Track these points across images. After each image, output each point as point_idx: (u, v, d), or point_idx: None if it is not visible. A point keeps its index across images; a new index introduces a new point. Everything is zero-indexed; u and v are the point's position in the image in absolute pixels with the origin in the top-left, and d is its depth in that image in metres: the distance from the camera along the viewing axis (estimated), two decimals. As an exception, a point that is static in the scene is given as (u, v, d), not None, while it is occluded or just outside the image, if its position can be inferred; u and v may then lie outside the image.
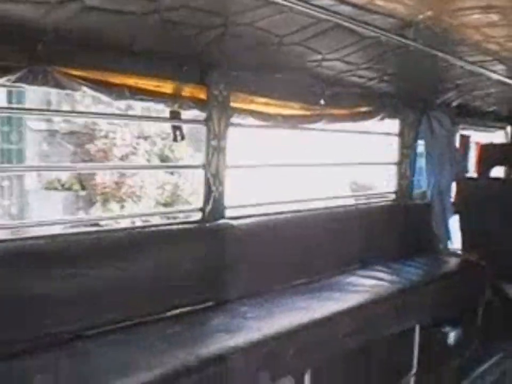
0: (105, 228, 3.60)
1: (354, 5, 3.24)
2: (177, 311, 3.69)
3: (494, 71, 5.20)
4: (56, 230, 3.51)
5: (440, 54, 4.42)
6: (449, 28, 3.85)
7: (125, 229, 3.65)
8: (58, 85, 3.22)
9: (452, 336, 5.41)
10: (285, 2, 3.11)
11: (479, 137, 7.85)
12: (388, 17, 3.51)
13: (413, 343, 4.78)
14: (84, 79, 3.31)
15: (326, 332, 3.87)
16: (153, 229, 3.78)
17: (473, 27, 3.79)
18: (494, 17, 3.53)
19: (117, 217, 3.81)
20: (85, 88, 3.34)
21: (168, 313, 3.65)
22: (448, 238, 6.52)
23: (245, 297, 4.02)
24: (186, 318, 3.64)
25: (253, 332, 3.49)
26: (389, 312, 4.45)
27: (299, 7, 3.19)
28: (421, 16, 3.54)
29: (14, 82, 3.05)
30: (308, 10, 3.24)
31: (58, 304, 3.18)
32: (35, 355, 2.94)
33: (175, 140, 3.94)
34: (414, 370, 4.76)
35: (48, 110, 3.04)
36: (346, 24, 3.53)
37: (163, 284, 3.67)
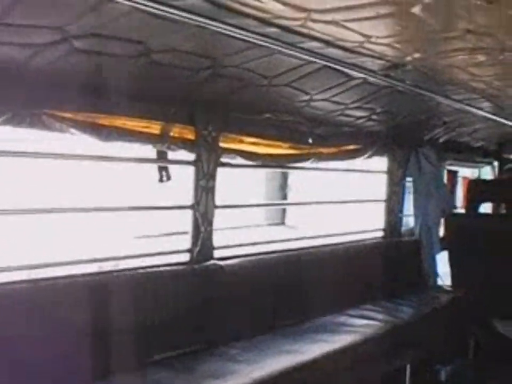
0: (87, 271, 3.53)
1: (343, 48, 3.26)
2: (164, 355, 3.61)
3: (481, 108, 5.25)
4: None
5: (427, 94, 4.46)
6: (436, 68, 3.89)
7: (110, 271, 3.59)
8: (46, 127, 3.19)
9: (443, 374, 5.36)
10: (273, 46, 3.12)
11: (467, 173, 7.90)
12: (376, 59, 3.53)
13: (404, 382, 4.72)
14: (73, 121, 3.29)
15: (317, 374, 3.82)
16: (140, 271, 3.72)
17: (460, 67, 3.82)
18: (481, 57, 3.56)
19: (101, 259, 3.73)
20: (73, 130, 3.31)
21: (155, 357, 3.57)
22: (437, 274, 6.51)
23: (234, 340, 3.95)
24: (174, 362, 3.57)
25: (243, 377, 3.42)
26: (380, 352, 4.40)
27: (287, 50, 3.20)
28: (408, 58, 3.56)
29: (1, 124, 3.02)
30: (296, 53, 3.25)
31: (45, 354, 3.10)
32: None
33: (160, 180, 3.91)
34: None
35: (28, 153, 3.06)
36: (334, 65, 3.54)
37: (149, 327, 3.60)
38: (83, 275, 3.48)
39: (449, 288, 6.40)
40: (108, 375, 3.26)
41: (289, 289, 4.54)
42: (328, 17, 2.72)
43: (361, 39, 3.08)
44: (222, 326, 3.96)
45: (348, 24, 2.82)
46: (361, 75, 3.80)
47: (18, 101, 3.00)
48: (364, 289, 5.30)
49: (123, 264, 3.74)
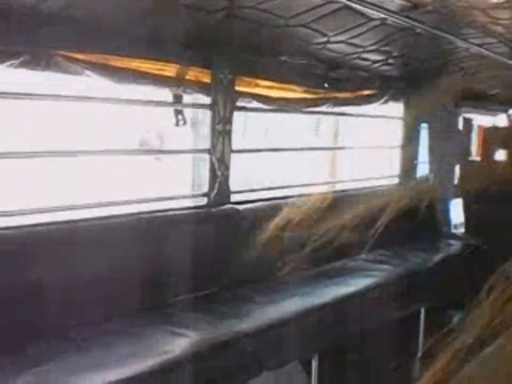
0: (110, 214, 3.55)
1: None
2: (184, 297, 3.65)
3: (499, 54, 5.16)
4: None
5: (446, 36, 4.38)
6: (456, 9, 3.80)
7: (130, 214, 3.61)
8: (61, 70, 3.16)
9: (456, 319, 5.40)
10: None
11: (482, 120, 7.81)
12: None
13: (418, 326, 4.77)
14: (87, 63, 3.26)
15: (333, 316, 3.85)
16: (158, 214, 3.74)
17: (480, 9, 3.75)
18: (501, -2, 3.49)
19: (120, 202, 3.74)
20: (87, 72, 3.28)
21: (174, 300, 3.61)
22: (450, 221, 6.51)
23: (252, 282, 3.99)
24: (194, 304, 3.61)
25: (259, 317, 3.47)
26: (394, 296, 4.43)
27: None
28: None
29: (16, 67, 3.00)
30: None
31: (63, 294, 3.13)
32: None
33: (177, 124, 3.89)
34: (420, 353, 4.76)
35: (44, 95, 3.04)
36: (354, 5, 3.48)
37: (168, 270, 3.63)
38: (104, 217, 3.50)
39: (463, 235, 6.41)
40: (130, 316, 3.31)
41: (306, 233, 4.54)
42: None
43: (381, -25, 3.01)
44: (239, 268, 3.99)
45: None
46: (381, 15, 3.73)
47: (34, 43, 2.98)
48: (378, 235, 5.30)
49: (141, 207, 3.75)
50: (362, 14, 3.71)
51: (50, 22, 2.98)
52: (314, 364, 3.73)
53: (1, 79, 3.08)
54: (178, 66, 3.70)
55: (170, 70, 3.69)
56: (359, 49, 4.41)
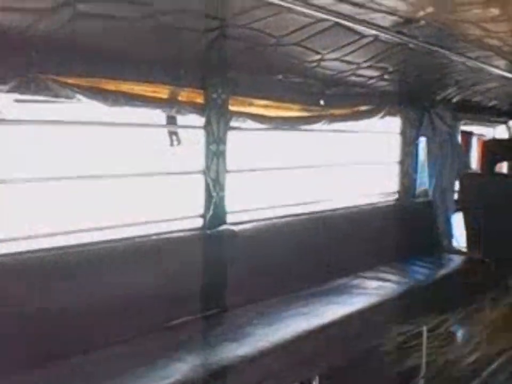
0: (103, 238, 3.51)
1: (354, 3, 3.17)
2: (180, 320, 3.60)
3: (495, 66, 5.14)
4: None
5: (440, 50, 4.36)
6: (450, 23, 3.79)
7: (125, 238, 3.57)
8: (52, 94, 3.14)
9: (460, 336, 5.34)
10: (282, 3, 3.03)
11: (481, 132, 7.79)
12: (388, 14, 3.44)
13: (421, 345, 4.70)
14: (78, 86, 3.23)
15: (333, 336, 3.80)
16: (153, 237, 3.70)
17: (474, 22, 3.73)
18: (495, 11, 3.47)
19: (115, 226, 3.71)
20: (79, 96, 3.26)
21: (171, 323, 3.56)
22: (452, 236, 6.46)
23: (249, 304, 3.94)
24: (189, 327, 3.57)
25: (258, 340, 3.42)
26: (395, 314, 4.38)
27: (297, 7, 3.12)
28: (421, 13, 3.47)
29: (7, 91, 2.97)
30: (306, 10, 3.17)
31: (57, 317, 3.10)
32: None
33: (171, 145, 3.87)
34: (423, 372, 4.69)
35: (35, 121, 3.03)
36: (345, 23, 3.46)
37: (164, 293, 3.59)
38: (98, 243, 3.47)
39: (464, 250, 6.36)
40: (128, 340, 3.28)
41: (303, 252, 4.51)
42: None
43: (372, -7, 2.99)
44: (236, 290, 3.95)
45: (359, -22, 2.73)
46: (373, 32, 3.71)
47: (24, 67, 2.96)
48: (379, 252, 5.26)
49: (136, 231, 3.71)
50: (354, 31, 3.68)
51: (41, 46, 2.96)
52: None
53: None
54: (171, 87, 3.68)
55: (163, 91, 3.66)
56: (354, 66, 4.39)
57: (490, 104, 7.12)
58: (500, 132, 7.94)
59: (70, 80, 3.18)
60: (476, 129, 7.73)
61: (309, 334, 3.64)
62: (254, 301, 3.99)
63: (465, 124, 7.04)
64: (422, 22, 3.65)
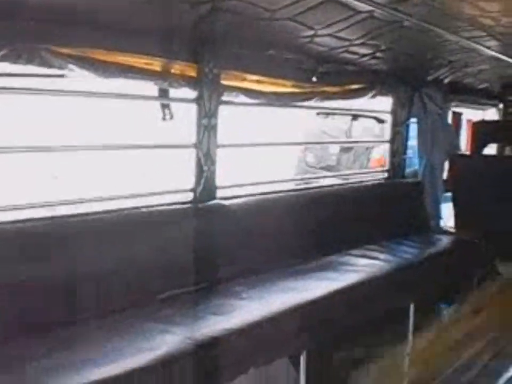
0: (94, 210, 3.51)
1: None
2: (170, 293, 3.61)
3: (488, 47, 5.15)
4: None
5: (434, 29, 4.35)
6: (445, 1, 3.78)
7: (115, 210, 3.57)
8: (44, 63, 3.11)
9: (446, 314, 5.40)
10: None
11: (472, 114, 7.82)
12: None
13: (407, 322, 4.75)
14: (71, 56, 3.21)
15: (321, 312, 3.82)
16: (143, 210, 3.70)
17: (470, 1, 3.72)
18: (490, -11, 3.47)
19: (105, 198, 3.70)
20: (71, 66, 3.23)
21: (161, 296, 3.57)
22: (440, 216, 6.50)
23: (239, 278, 3.95)
24: (179, 300, 3.57)
25: (247, 313, 3.43)
26: (383, 291, 4.41)
27: None
28: None
29: (-1, 61, 2.95)
30: None
31: (50, 288, 3.11)
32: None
33: (163, 118, 3.86)
34: (408, 349, 4.74)
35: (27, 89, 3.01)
36: None
37: (155, 266, 3.60)
38: (88, 214, 3.47)
39: (452, 230, 6.40)
40: (116, 312, 3.27)
41: (293, 228, 4.53)
42: None
43: (368, -33, 2.98)
44: (226, 264, 3.96)
45: (355, -50, 2.72)
46: (368, 8, 3.70)
47: (16, 36, 2.93)
48: (367, 230, 5.29)
49: (127, 203, 3.71)
50: (349, 7, 3.67)
51: (33, 16, 2.94)
52: (302, 360, 3.70)
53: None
54: (164, 60, 3.66)
55: (156, 64, 3.64)
56: (346, 43, 4.38)
57: (481, 86, 7.14)
58: (490, 114, 7.97)
59: (62, 50, 3.16)
60: (466, 111, 7.75)
61: (298, 308, 3.65)
62: (244, 274, 4.00)
63: (456, 106, 7.07)
64: (416, 0, 3.65)
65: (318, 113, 9.67)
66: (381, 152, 7.82)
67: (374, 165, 8.59)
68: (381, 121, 8.21)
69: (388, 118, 6.03)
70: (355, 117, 9.47)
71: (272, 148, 6.70)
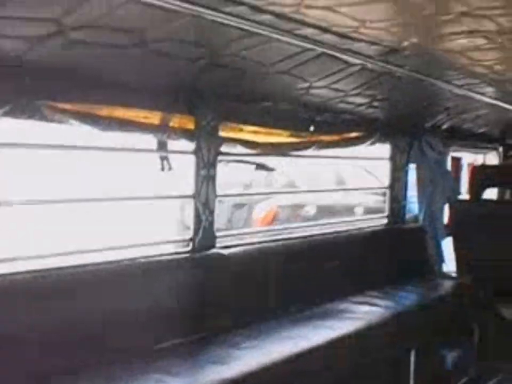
0: (91, 261, 3.56)
1: (338, 34, 3.26)
2: (168, 343, 3.63)
3: (483, 94, 5.23)
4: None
5: (427, 79, 4.45)
6: (434, 53, 3.88)
7: (113, 261, 3.62)
8: (45, 119, 3.21)
9: (448, 360, 5.37)
10: (268, 33, 3.12)
11: (471, 159, 7.87)
12: (372, 44, 3.53)
13: (408, 369, 4.74)
14: (71, 112, 3.30)
15: (321, 359, 3.84)
16: (142, 260, 3.75)
17: (459, 52, 3.81)
18: (480, 41, 3.55)
19: (103, 249, 3.76)
20: (72, 121, 3.33)
21: (158, 346, 3.59)
22: (442, 261, 6.51)
23: (238, 327, 3.98)
24: (178, 350, 3.59)
25: (247, 362, 3.45)
26: (383, 339, 4.42)
27: (283, 38, 3.21)
28: (405, 43, 3.56)
29: (1, 116, 3.04)
30: (292, 41, 3.26)
31: (43, 340, 3.12)
32: None
33: (162, 169, 3.94)
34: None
35: (28, 145, 3.09)
36: (331, 52, 3.55)
37: (153, 316, 3.62)
38: (88, 265, 3.52)
39: (453, 275, 6.40)
40: (115, 362, 3.28)
41: (293, 276, 4.56)
42: (321, 2, 2.73)
43: (355, 24, 3.07)
44: (225, 314, 3.99)
45: (341, 9, 2.82)
46: (359, 61, 3.80)
47: (17, 93, 3.02)
48: (368, 277, 5.31)
49: (125, 254, 3.76)
50: (341, 60, 3.77)
51: (35, 72, 3.03)
52: None
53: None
54: (162, 113, 3.75)
55: (155, 117, 3.74)
56: (342, 94, 4.47)
57: (480, 130, 7.21)
58: (490, 158, 8.03)
59: (62, 106, 3.25)
60: (466, 155, 7.81)
61: (296, 357, 3.67)
62: (242, 324, 4.02)
63: (455, 151, 7.13)
64: (407, 52, 3.75)
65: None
66: (267, 209, 6.85)
67: (259, 225, 7.26)
68: (269, 169, 7.32)
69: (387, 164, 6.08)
70: (260, 166, 7.79)
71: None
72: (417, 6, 2.88)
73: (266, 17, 2.92)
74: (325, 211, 7.73)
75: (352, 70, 4.01)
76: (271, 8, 2.79)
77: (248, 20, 2.92)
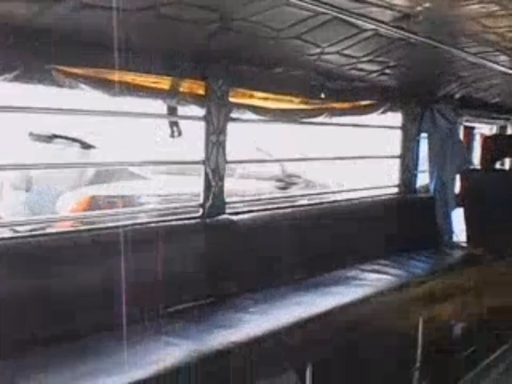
0: (104, 225, 3.59)
1: None
2: (178, 307, 3.68)
3: (497, 62, 5.17)
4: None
5: (441, 46, 4.40)
6: (448, 19, 3.83)
7: (125, 225, 3.64)
8: (55, 83, 3.21)
9: (456, 329, 5.40)
10: None
11: (483, 129, 7.82)
12: (385, 9, 3.48)
13: (416, 336, 4.76)
14: (81, 76, 3.30)
15: (328, 326, 3.86)
16: (153, 225, 3.77)
17: (473, 18, 3.76)
18: (493, 7, 3.50)
19: (117, 214, 3.78)
20: (82, 86, 3.33)
21: (169, 310, 3.63)
22: (452, 231, 6.50)
23: (247, 292, 4.01)
24: (187, 314, 3.64)
25: (254, 327, 3.48)
26: (393, 306, 4.43)
27: (295, 1, 3.17)
28: (419, 8, 3.51)
29: (11, 81, 3.04)
30: (304, 3, 3.22)
31: (60, 302, 3.19)
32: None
33: (172, 136, 3.94)
34: (418, 363, 4.75)
35: (41, 108, 3.09)
36: (344, 17, 3.51)
37: (163, 280, 3.65)
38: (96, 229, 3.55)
39: (464, 244, 6.40)
40: (125, 325, 3.30)
41: (302, 243, 4.57)
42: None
43: (369, -14, 3.04)
44: (235, 279, 4.02)
45: (356, -29, 2.79)
46: (372, 26, 3.75)
47: (28, 57, 3.02)
48: (379, 245, 5.31)
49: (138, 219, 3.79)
50: (354, 25, 3.73)
51: (45, 36, 3.03)
52: (308, 373, 3.74)
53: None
54: (172, 78, 3.74)
55: (164, 82, 3.72)
56: (354, 60, 4.43)
57: (493, 101, 7.15)
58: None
59: (73, 70, 3.25)
60: (478, 125, 7.75)
61: (304, 322, 3.69)
62: (251, 289, 4.06)
63: (467, 120, 7.08)
64: (421, 18, 3.70)
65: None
66: (79, 199, 5.53)
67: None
68: (86, 146, 5.95)
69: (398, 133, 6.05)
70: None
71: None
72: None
73: None
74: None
75: (364, 35, 3.97)
76: (284, -31, 2.76)
77: None
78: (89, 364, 2.91)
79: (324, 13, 3.45)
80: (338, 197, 5.41)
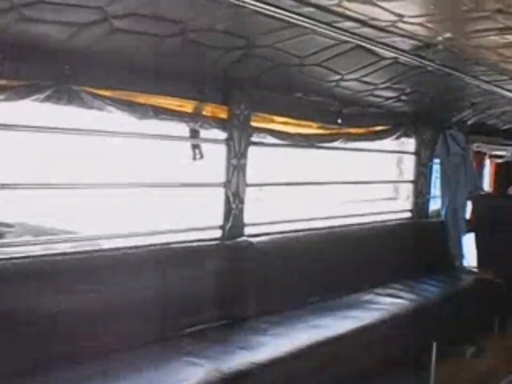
0: (128, 245, 3.64)
1: (376, 27, 3.30)
2: (196, 328, 3.71)
3: (509, 90, 5.25)
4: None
5: (456, 74, 4.48)
6: (466, 48, 3.91)
7: (147, 246, 3.69)
8: (84, 104, 3.26)
9: (469, 353, 5.40)
10: (308, 25, 3.17)
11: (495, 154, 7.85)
12: (408, 38, 3.57)
13: (430, 360, 4.78)
14: (109, 98, 3.36)
15: (344, 349, 3.89)
16: (174, 246, 3.81)
17: (490, 48, 3.85)
18: (510, 38, 3.58)
19: (139, 234, 3.83)
20: (110, 108, 3.38)
21: (187, 330, 3.67)
22: (462, 256, 6.54)
23: (264, 315, 4.04)
24: (205, 335, 3.67)
25: (272, 349, 3.51)
26: (406, 330, 4.46)
27: (322, 30, 3.25)
28: (439, 38, 3.60)
29: (42, 101, 3.10)
30: (330, 33, 3.31)
31: (80, 322, 3.21)
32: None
33: (194, 158, 3.99)
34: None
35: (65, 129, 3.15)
36: (366, 45, 3.59)
37: (183, 300, 3.70)
38: (120, 248, 3.60)
39: (474, 269, 6.43)
40: (147, 344, 3.38)
41: (318, 266, 4.62)
42: (362, -4, 2.78)
43: (394, 18, 3.12)
44: (252, 301, 4.05)
45: (382, 3, 2.87)
46: (393, 55, 3.84)
47: (59, 78, 3.08)
48: (391, 269, 5.35)
49: (155, 239, 3.83)
50: (375, 53, 3.81)
51: (77, 58, 3.10)
52: None
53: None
54: (196, 102, 3.81)
55: (188, 105, 3.79)
56: (372, 87, 4.52)
57: (505, 127, 7.22)
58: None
59: (102, 92, 3.31)
60: (489, 151, 7.80)
61: (321, 345, 3.73)
62: (268, 311, 4.09)
63: (478, 146, 7.14)
64: (440, 47, 3.78)
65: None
66: None
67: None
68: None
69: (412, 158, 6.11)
70: None
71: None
72: (455, 1, 2.92)
73: (308, 10, 2.96)
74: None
75: (384, 63, 4.06)
76: (314, 0, 2.84)
77: (290, 11, 2.97)
78: (116, 382, 2.96)
79: (347, 42, 3.54)
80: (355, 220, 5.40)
